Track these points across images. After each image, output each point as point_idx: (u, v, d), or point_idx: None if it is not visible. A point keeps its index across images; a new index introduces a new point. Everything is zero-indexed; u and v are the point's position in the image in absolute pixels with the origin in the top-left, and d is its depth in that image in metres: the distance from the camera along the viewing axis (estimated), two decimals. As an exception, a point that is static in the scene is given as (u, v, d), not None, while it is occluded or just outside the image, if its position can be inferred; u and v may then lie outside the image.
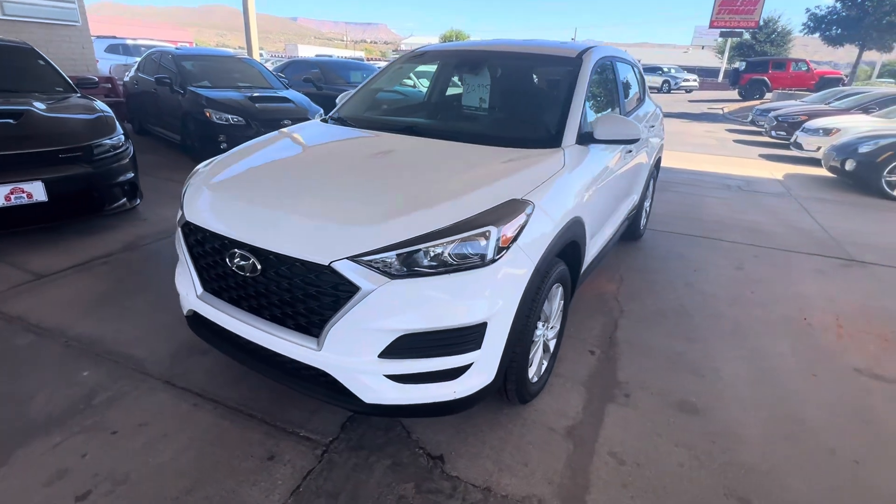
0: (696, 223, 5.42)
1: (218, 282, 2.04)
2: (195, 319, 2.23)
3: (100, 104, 4.65)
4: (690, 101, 25.89)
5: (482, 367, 1.84)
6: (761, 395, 2.51)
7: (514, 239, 1.81)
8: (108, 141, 4.05)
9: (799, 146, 9.60)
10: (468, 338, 1.76)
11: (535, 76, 3.07)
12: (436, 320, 1.69)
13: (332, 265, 1.67)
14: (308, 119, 6.71)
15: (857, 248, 4.82)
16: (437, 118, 3.15)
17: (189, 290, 2.15)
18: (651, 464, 2.04)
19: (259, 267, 1.81)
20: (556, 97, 2.70)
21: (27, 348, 2.61)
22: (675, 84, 31.58)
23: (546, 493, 1.88)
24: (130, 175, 4.26)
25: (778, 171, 8.87)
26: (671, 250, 4.55)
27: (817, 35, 20.11)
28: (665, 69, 33.17)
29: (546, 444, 2.12)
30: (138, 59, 8.65)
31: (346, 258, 1.67)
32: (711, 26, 43.27)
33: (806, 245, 4.86)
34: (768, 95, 20.63)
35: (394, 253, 1.67)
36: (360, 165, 2.30)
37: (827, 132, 9.08)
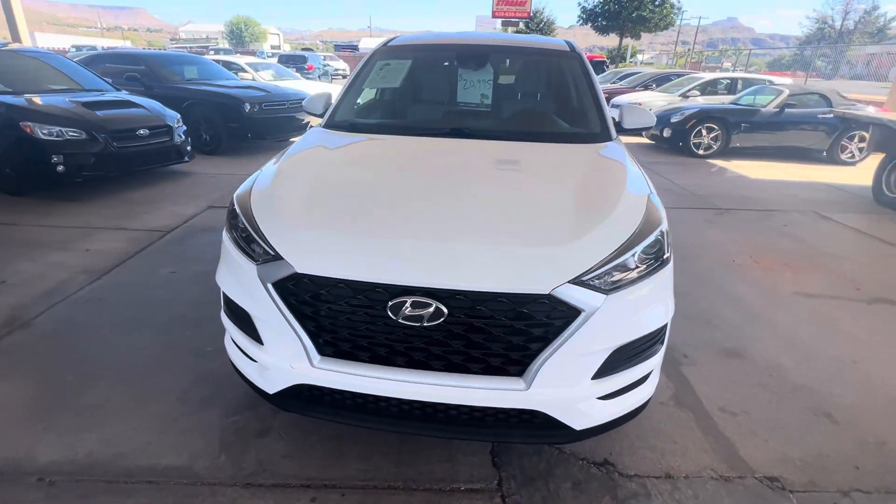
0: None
1: (352, 341, 1.64)
2: (297, 394, 1.75)
3: None
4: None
5: (658, 368, 1.87)
6: (763, 329, 3.06)
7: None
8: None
9: (615, 120, 11.46)
10: (656, 340, 1.77)
11: (548, 71, 3.09)
12: (643, 328, 1.66)
13: (553, 292, 1.50)
14: (167, 126, 5.59)
15: (715, 198, 6.07)
16: (477, 119, 2.93)
17: (293, 360, 1.67)
18: (752, 408, 2.34)
19: (445, 311, 1.51)
20: (580, 90, 2.78)
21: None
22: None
23: (711, 461, 2.03)
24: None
25: (608, 142, 10.51)
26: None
27: (590, 24, 24.18)
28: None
29: (672, 420, 2.26)
30: None
31: (568, 282, 1.51)
32: (494, 16, 48.17)
33: (678, 201, 5.92)
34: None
35: (609, 267, 1.58)
36: (461, 177, 2.07)
37: (635, 107, 11.05)
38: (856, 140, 8.59)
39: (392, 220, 1.72)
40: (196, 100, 7.27)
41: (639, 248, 1.65)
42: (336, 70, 27.50)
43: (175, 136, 5.78)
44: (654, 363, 1.77)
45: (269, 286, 1.65)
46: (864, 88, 18.05)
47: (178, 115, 5.99)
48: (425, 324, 1.53)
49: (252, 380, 1.84)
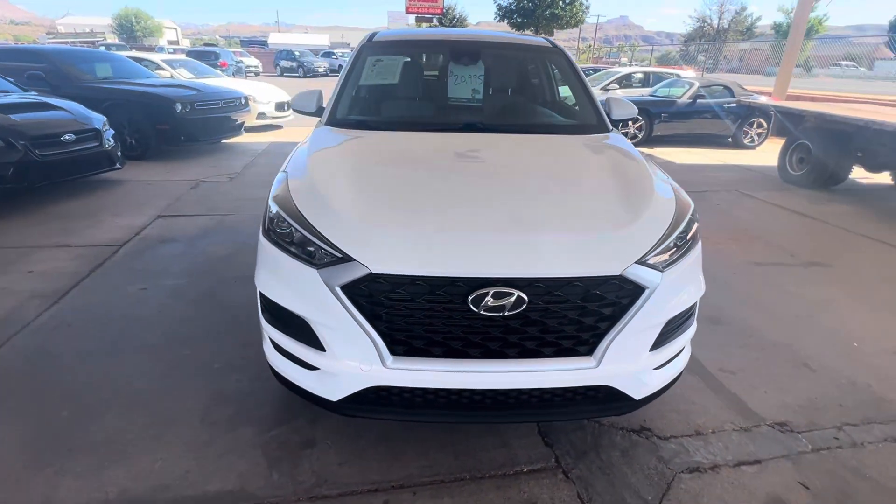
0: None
1: (427, 338, 1.64)
2: (363, 398, 1.72)
3: None
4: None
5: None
6: (730, 297, 3.42)
7: None
8: None
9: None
10: (692, 312, 1.94)
11: (536, 66, 3.19)
12: (687, 301, 1.82)
13: (624, 273, 1.60)
14: (94, 130, 5.08)
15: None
16: (485, 114, 2.94)
17: (364, 363, 1.64)
18: (745, 366, 2.63)
19: (526, 299, 1.56)
20: (572, 84, 2.92)
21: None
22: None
23: (729, 415, 2.26)
24: None
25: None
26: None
27: (506, 21, 24.95)
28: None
29: (686, 383, 2.44)
30: None
31: (635, 262, 1.63)
32: (408, 11, 48.10)
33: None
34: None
35: (663, 246, 1.71)
36: (496, 169, 2.13)
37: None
38: (755, 126, 9.70)
39: (456, 213, 1.73)
40: (117, 100, 6.60)
41: (681, 228, 1.81)
42: (249, 67, 26.07)
43: (104, 141, 5.23)
44: (690, 333, 1.94)
45: (338, 289, 1.60)
46: (741, 81, 20.31)
47: (105, 119, 5.41)
48: (503, 314, 1.57)
49: (309, 389, 1.77)
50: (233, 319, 2.92)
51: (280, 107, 9.90)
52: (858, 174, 6.67)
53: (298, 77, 28.35)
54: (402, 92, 2.91)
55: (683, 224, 1.84)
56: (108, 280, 3.38)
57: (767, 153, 9.12)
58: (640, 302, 1.65)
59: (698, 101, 9.49)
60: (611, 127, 2.70)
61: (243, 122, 7.96)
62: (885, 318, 3.18)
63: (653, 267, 1.67)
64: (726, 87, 9.78)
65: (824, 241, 4.66)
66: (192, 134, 6.94)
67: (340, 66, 31.52)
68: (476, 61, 2.93)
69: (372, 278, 1.57)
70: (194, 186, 5.66)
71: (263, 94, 9.61)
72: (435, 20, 51.34)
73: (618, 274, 1.60)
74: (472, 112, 2.85)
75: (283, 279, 1.76)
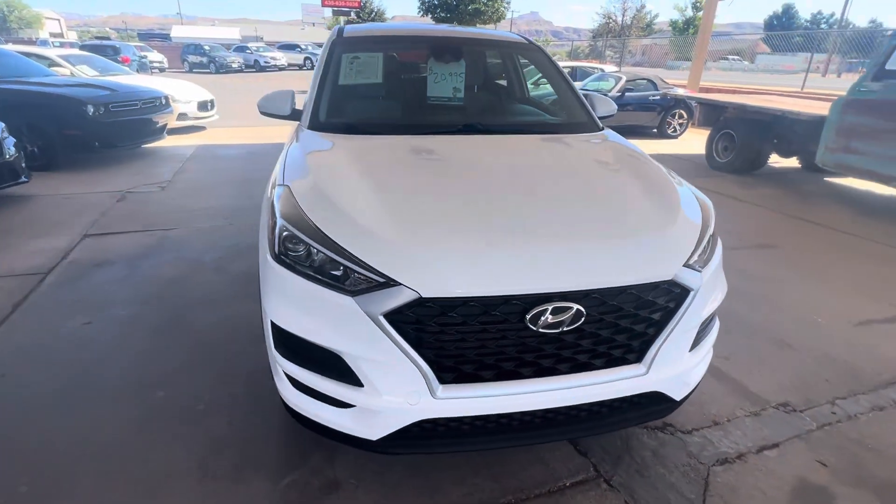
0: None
1: (478, 362, 1.51)
2: (407, 434, 1.56)
3: None
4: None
5: None
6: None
7: None
8: None
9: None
10: (716, 311, 1.97)
11: (516, 63, 3.09)
12: (718, 299, 1.83)
13: (674, 277, 1.57)
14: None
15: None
16: (479, 115, 2.80)
17: (410, 396, 1.49)
18: (735, 351, 2.75)
19: (584, 312, 1.48)
20: (555, 81, 2.88)
21: None
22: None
23: (737, 401, 2.34)
24: None
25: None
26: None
27: (429, 15, 24.78)
28: (303, 46, 34.04)
29: (688, 373, 2.54)
30: None
31: (683, 265, 1.60)
32: (324, 4, 46.67)
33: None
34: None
35: (703, 245, 1.71)
36: (511, 176, 2.02)
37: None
38: (677, 117, 10.38)
39: (498, 226, 1.61)
40: (11, 103, 5.70)
41: (711, 226, 1.82)
42: (153, 63, 23.89)
43: (4, 150, 4.49)
44: (716, 330, 1.97)
45: (381, 318, 1.43)
46: (647, 74, 21.79)
47: (3, 125, 4.65)
48: (561, 330, 1.48)
49: (344, 430, 1.58)
50: (205, 351, 2.59)
51: (203, 106, 9.13)
52: (771, 159, 7.34)
53: (210, 73, 26.40)
54: (387, 92, 2.72)
55: (711, 223, 1.85)
56: (40, 316, 2.88)
57: (690, 142, 9.81)
58: (685, 304, 1.63)
59: (626, 94, 9.97)
60: (602, 125, 2.69)
61: (166, 125, 7.23)
62: (837, 293, 3.48)
63: (693, 268, 1.66)
64: (650, 81, 10.37)
65: (764, 223, 5.05)
66: (107, 139, 6.17)
67: (256, 62, 30.20)
68: (459, 58, 2.80)
69: (421, 303, 1.41)
70: (121, 199, 5.03)
71: (183, 92, 8.79)
72: (353, 14, 50.35)
73: (669, 278, 1.57)
74: (464, 113, 2.72)
75: (305, 309, 1.55)
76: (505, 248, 1.52)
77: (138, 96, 6.65)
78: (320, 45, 37.19)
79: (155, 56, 25.90)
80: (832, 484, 1.91)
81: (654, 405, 1.75)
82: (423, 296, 1.40)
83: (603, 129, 2.65)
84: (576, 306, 1.46)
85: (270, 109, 2.56)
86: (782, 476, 1.93)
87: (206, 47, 28.37)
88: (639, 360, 1.64)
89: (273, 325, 1.63)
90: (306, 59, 32.71)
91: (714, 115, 7.73)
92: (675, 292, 1.61)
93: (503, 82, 3.25)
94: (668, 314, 1.62)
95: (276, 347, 1.66)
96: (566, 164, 2.24)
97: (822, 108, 6.17)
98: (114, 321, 2.84)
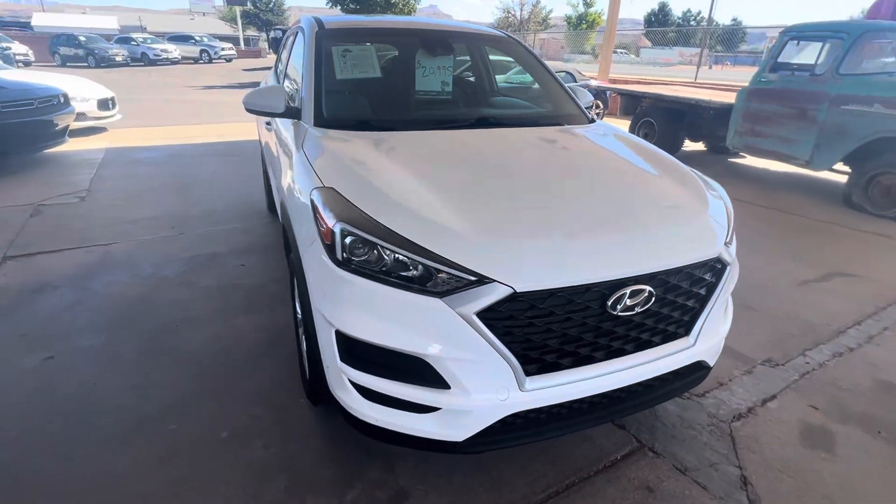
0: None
1: (560, 350, 1.55)
2: (494, 430, 1.56)
3: None
4: (245, 69, 26.02)
5: None
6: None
7: None
8: None
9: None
10: None
11: (494, 56, 3.10)
12: (738, 267, 2.03)
13: (720, 254, 1.72)
14: None
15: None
16: (477, 107, 2.81)
17: (500, 391, 1.50)
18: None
19: (655, 293, 1.57)
20: (539, 74, 2.95)
21: None
22: (215, 54, 30.58)
23: (731, 363, 2.60)
24: None
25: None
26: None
27: (339, 7, 23.97)
28: (198, 38, 31.39)
29: (683, 342, 2.77)
30: None
31: (723, 244, 1.75)
32: (222, -6, 43.59)
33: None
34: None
35: (732, 224, 1.88)
36: (545, 167, 2.07)
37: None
38: (594, 107, 11.07)
39: (564, 217, 1.64)
40: None
41: (730, 203, 2.00)
42: (17, 55, 20.76)
43: None
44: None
45: (474, 317, 1.41)
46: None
47: None
48: (634, 311, 1.57)
49: (427, 435, 1.54)
50: (204, 374, 2.37)
51: (104, 105, 8.14)
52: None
53: (89, 67, 23.43)
54: (390, 86, 2.61)
55: (728, 200, 2.04)
56: (-16, 355, 2.45)
57: (608, 130, 10.50)
58: (724, 277, 1.79)
59: (549, 86, 10.44)
60: (592, 116, 2.82)
61: (67, 126, 6.35)
62: (776, 261, 3.96)
63: (728, 244, 1.82)
64: (568, 73, 10.95)
65: (695, 201, 5.57)
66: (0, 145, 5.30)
67: (144, 55, 27.24)
68: (449, 52, 2.78)
69: (513, 298, 1.42)
70: (35, 213, 4.37)
71: (79, 89, 7.76)
72: (249, 3, 47.37)
73: (716, 256, 1.71)
74: (472, 106, 2.72)
75: (381, 314, 1.48)
76: (582, 238, 1.57)
77: (33, 94, 5.78)
78: (219, 38, 34.27)
79: (18, 48, 22.55)
80: (826, 423, 2.21)
81: (695, 373, 1.90)
82: (518, 290, 1.41)
83: (594, 120, 2.79)
84: (648, 288, 1.55)
85: (259, 107, 2.37)
86: (788, 422, 2.20)
87: (82, 38, 25.16)
88: (687, 332, 1.77)
89: (339, 334, 1.55)
90: (203, 51, 30.22)
91: (633, 104, 8.37)
92: (717, 268, 1.75)
93: (495, 75, 3.29)
94: (711, 288, 1.77)
95: (342, 359, 1.57)
96: (594, 155, 2.32)
97: (728, 97, 6.94)
98: (82, 353, 2.49)
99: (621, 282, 1.52)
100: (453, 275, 1.43)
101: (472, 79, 3.37)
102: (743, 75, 9.50)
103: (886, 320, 3.07)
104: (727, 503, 1.78)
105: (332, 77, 2.46)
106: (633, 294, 1.53)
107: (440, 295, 1.43)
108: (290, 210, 2.04)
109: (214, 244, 3.85)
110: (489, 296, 1.41)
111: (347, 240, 1.53)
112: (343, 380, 1.59)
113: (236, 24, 45.08)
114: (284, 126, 2.53)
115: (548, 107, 2.90)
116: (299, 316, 2.11)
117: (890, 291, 3.44)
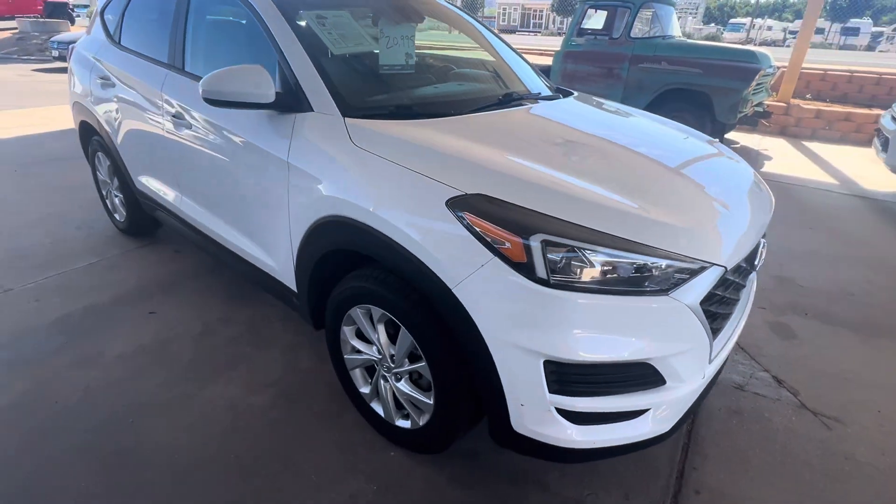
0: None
1: (724, 315, 1.62)
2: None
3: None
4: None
5: None
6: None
7: None
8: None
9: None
10: None
11: (464, 28, 2.72)
12: None
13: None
14: None
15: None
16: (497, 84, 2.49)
17: (703, 372, 1.51)
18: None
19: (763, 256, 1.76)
20: (503, 50, 2.78)
21: None
22: None
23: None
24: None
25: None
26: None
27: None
28: None
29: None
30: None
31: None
32: None
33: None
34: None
35: None
36: (617, 145, 1.95)
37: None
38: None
39: (699, 194, 1.66)
40: None
41: None
42: None
43: None
44: None
45: (698, 306, 1.37)
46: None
47: None
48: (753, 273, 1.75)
49: (637, 438, 1.46)
50: (187, 475, 1.75)
51: None
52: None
53: None
54: (388, 62, 2.09)
55: None
56: None
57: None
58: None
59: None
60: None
61: None
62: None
63: None
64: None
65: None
66: None
67: None
68: (420, 19, 2.42)
69: (723, 277, 1.43)
70: None
71: None
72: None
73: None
74: (496, 83, 2.43)
75: (604, 327, 1.33)
76: (730, 210, 1.63)
77: None
78: None
79: None
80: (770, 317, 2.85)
81: None
82: (729, 268, 1.42)
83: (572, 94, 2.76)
84: (763, 241, 1.73)
85: (233, 96, 1.70)
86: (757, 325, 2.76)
87: None
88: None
89: (549, 363, 1.33)
90: None
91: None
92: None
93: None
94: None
95: (551, 390, 1.36)
96: (636, 126, 2.29)
97: (545, 60, 7.78)
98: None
99: (754, 250, 1.66)
100: (675, 267, 1.35)
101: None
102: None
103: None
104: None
105: (325, 53, 1.91)
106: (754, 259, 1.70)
107: (665, 291, 1.34)
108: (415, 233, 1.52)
109: (78, 294, 2.73)
110: (707, 280, 1.39)
111: (551, 253, 1.29)
112: (550, 413, 1.38)
113: None
114: (252, 124, 1.90)
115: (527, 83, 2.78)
116: (406, 366, 1.69)
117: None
